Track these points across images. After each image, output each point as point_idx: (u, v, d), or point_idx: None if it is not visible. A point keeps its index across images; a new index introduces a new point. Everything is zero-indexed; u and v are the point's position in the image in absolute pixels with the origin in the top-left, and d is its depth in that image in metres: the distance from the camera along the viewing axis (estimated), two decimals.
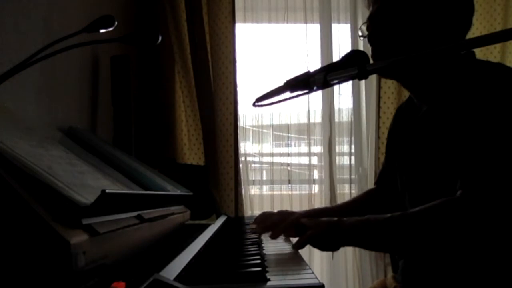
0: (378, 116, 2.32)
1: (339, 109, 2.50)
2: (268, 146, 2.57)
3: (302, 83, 0.96)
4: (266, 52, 2.49)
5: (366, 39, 1.12)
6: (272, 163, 2.51)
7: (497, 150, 0.89)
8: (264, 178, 2.54)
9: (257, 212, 2.17)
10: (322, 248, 0.99)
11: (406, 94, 2.26)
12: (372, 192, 1.43)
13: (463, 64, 1.01)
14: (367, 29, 1.12)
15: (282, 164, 2.53)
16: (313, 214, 1.39)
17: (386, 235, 0.96)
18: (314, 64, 2.46)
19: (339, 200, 2.37)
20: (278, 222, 1.06)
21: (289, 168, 2.50)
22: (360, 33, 1.15)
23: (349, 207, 1.43)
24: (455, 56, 1.03)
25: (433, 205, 0.92)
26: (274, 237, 1.00)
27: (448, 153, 0.97)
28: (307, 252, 2.37)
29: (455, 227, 0.89)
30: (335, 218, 1.00)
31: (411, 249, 1.00)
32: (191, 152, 2.20)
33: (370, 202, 1.40)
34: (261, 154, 2.56)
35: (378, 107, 2.32)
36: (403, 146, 1.16)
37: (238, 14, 2.33)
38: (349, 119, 2.49)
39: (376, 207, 1.39)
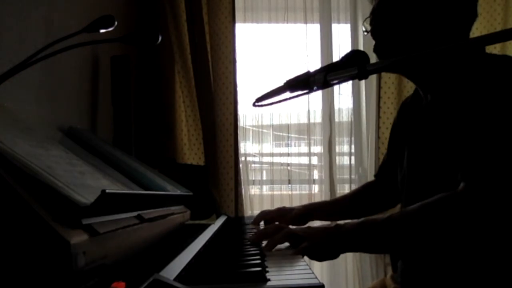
0: (378, 116, 2.32)
1: (339, 109, 2.50)
2: (268, 146, 2.57)
3: (302, 83, 0.96)
4: (266, 52, 2.49)
5: (369, 34, 1.12)
6: (272, 163, 2.51)
7: (500, 142, 0.88)
8: (264, 178, 2.54)
9: (257, 212, 2.16)
10: (320, 258, 0.94)
11: (406, 94, 2.26)
12: (370, 185, 1.43)
13: (469, 57, 1.01)
14: (370, 23, 1.11)
15: (282, 164, 2.53)
16: (312, 208, 1.39)
17: (387, 236, 0.93)
18: (314, 64, 2.46)
19: None
20: (272, 232, 0.98)
21: (289, 168, 2.50)
22: (363, 29, 1.15)
23: (348, 200, 1.43)
24: (460, 51, 1.02)
25: (434, 200, 0.90)
26: (267, 250, 0.92)
27: (449, 143, 0.97)
28: None
29: (458, 222, 0.87)
30: (332, 226, 0.96)
31: (414, 247, 0.97)
32: (191, 152, 2.20)
33: (368, 195, 1.40)
34: (261, 154, 2.56)
35: (378, 107, 2.32)
36: (406, 136, 1.16)
37: (238, 14, 2.33)
38: (349, 119, 2.49)
39: (374, 200, 1.39)
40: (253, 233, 1.05)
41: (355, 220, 0.97)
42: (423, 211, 0.90)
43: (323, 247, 0.93)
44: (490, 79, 0.94)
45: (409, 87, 2.27)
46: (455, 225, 0.88)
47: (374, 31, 1.09)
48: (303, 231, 0.96)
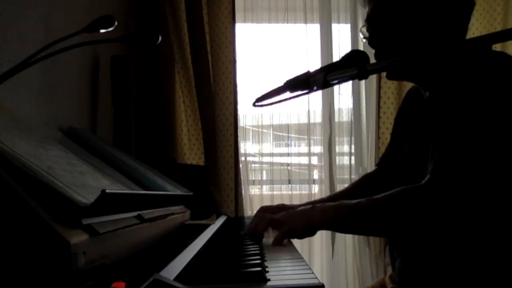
0: (378, 116, 2.32)
1: (339, 109, 2.50)
2: (268, 146, 2.57)
3: (302, 83, 0.96)
4: (266, 52, 2.49)
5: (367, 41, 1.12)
6: (272, 163, 2.51)
7: (472, 141, 0.88)
8: (264, 178, 2.54)
9: None
10: (299, 237, 1.04)
11: None
12: (369, 177, 1.42)
13: (468, 56, 1.01)
14: (367, 30, 1.12)
15: (282, 164, 2.53)
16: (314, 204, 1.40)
17: (354, 220, 0.99)
18: (314, 64, 2.46)
19: None
20: (256, 223, 1.10)
21: (289, 168, 2.50)
22: (361, 35, 1.15)
23: (348, 194, 1.42)
24: (460, 50, 1.02)
25: (398, 191, 0.94)
26: (256, 241, 1.03)
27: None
28: (307, 252, 2.37)
29: (416, 213, 0.91)
30: (309, 207, 1.05)
31: (379, 233, 1.04)
32: (191, 152, 2.20)
33: (367, 187, 1.39)
34: (261, 154, 2.56)
35: (378, 107, 2.32)
36: (406, 132, 1.17)
37: (238, 14, 2.33)
38: (349, 119, 2.49)
39: (374, 190, 1.39)
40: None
41: (332, 203, 1.04)
42: (385, 200, 0.95)
43: (301, 230, 1.02)
44: (480, 78, 0.94)
45: (409, 87, 2.27)
46: (413, 216, 0.92)
47: (371, 40, 1.09)
48: (283, 216, 1.06)
